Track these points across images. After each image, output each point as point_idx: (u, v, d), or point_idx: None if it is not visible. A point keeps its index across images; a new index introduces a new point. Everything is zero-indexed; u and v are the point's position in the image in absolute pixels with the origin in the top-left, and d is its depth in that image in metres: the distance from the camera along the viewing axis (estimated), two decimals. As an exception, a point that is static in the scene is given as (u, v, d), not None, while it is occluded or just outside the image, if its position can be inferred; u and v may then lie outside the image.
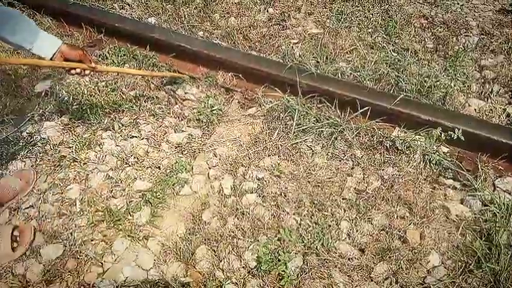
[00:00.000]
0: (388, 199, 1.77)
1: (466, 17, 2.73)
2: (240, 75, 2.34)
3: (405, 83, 2.23)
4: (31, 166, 1.99)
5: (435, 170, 1.89)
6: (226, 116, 2.22)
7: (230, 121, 2.20)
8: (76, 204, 1.82)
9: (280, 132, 2.09)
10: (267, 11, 2.76)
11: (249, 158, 2.01)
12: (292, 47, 2.48)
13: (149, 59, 2.48)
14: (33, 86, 2.40)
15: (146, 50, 2.50)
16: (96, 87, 2.34)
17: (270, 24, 2.65)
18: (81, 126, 2.18)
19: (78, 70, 1.65)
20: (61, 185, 1.90)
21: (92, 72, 1.75)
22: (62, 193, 1.88)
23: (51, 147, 2.06)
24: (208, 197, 1.85)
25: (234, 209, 1.79)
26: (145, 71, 2.37)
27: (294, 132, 2.07)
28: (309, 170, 1.90)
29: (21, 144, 2.09)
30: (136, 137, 2.12)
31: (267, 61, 2.33)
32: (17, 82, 2.41)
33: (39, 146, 2.07)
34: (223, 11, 2.75)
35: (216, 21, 2.68)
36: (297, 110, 2.12)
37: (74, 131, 2.15)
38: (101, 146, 2.07)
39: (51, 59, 1.57)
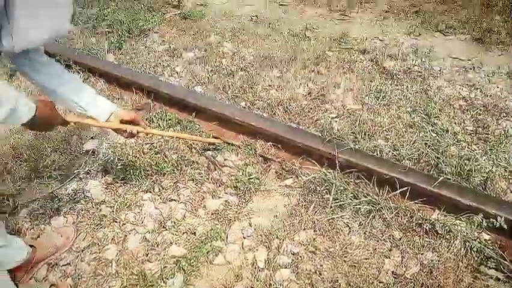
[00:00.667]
0: (427, 286, 1.70)
1: (506, 100, 2.74)
2: (279, 146, 2.40)
3: (445, 165, 2.22)
4: (73, 223, 2.06)
5: (476, 258, 1.82)
6: (263, 185, 2.25)
7: (267, 191, 2.23)
8: (111, 265, 1.85)
9: (316, 206, 2.09)
10: (307, 85, 2.87)
11: (284, 231, 2.00)
12: (331, 121, 2.54)
13: (193, 124, 2.58)
14: (82, 144, 2.53)
15: (191, 117, 2.62)
16: (141, 149, 2.44)
17: (310, 98, 2.75)
18: (123, 187, 2.25)
19: (133, 131, 1.75)
20: (99, 244, 1.95)
21: (143, 134, 1.86)
22: (99, 252, 1.91)
23: (93, 206, 2.13)
24: (241, 269, 1.84)
25: (267, 284, 1.76)
26: (189, 135, 2.46)
27: (331, 207, 2.07)
28: (346, 248, 1.87)
29: (65, 200, 2.18)
30: (175, 200, 2.17)
31: (305, 133, 2.39)
32: (68, 139, 2.56)
33: (82, 204, 2.15)
34: (264, 84, 2.88)
35: (257, 92, 2.80)
36: (334, 185, 2.14)
37: (116, 191, 2.22)
38: (140, 208, 2.13)
39: (106, 121, 1.68)
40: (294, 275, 1.80)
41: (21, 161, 2.42)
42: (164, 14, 3.83)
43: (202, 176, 2.30)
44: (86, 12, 3.89)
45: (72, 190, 2.23)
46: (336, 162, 2.20)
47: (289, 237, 1.97)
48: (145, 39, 3.47)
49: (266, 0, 4.18)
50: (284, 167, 2.34)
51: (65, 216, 2.09)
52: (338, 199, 2.09)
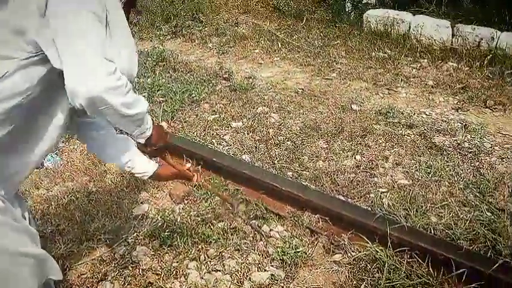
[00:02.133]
0: None
1: None
2: (327, 219, 2.36)
3: (503, 247, 2.10)
4: (119, 289, 2.06)
5: None
6: (311, 259, 2.19)
7: (314, 266, 2.17)
8: (155, 337, 1.80)
9: (367, 286, 2.00)
10: (355, 157, 2.87)
11: (333, 310, 1.91)
12: (381, 195, 2.50)
13: (239, 194, 2.61)
14: (132, 209, 2.59)
15: (238, 185, 2.65)
16: (188, 216, 2.47)
17: (358, 170, 2.73)
18: (169, 253, 2.25)
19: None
20: (144, 313, 1.92)
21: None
22: (143, 322, 1.88)
23: (140, 272, 2.13)
24: None
25: None
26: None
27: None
28: (401, 334, 1.75)
29: (113, 265, 2.20)
30: (220, 271, 2.14)
31: (354, 208, 2.36)
32: (119, 203, 2.63)
33: (129, 270, 2.15)
34: (311, 154, 2.91)
35: (304, 163, 2.82)
36: (386, 263, 2.05)
37: (163, 258, 2.22)
38: (186, 277, 2.11)
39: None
40: None
41: (72, 223, 2.49)
42: (214, 85, 4.03)
43: (248, 247, 2.27)
44: (142, 81, 4.15)
45: (120, 255, 2.25)
46: (388, 239, 2.13)
47: (336, 318, 1.88)
48: (196, 108, 3.64)
49: (311, 74, 4.33)
50: (333, 241, 2.28)
51: (112, 282, 2.10)
52: (390, 279, 2.00)
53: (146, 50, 5.11)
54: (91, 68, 1.09)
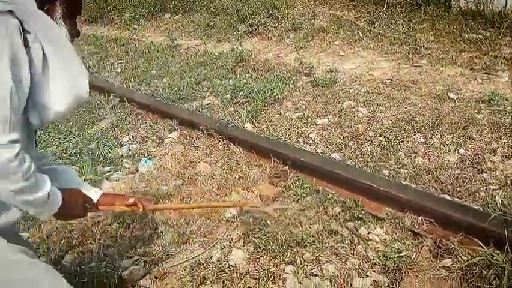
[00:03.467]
0: None
1: None
2: (432, 221, 2.17)
3: None
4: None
5: None
6: (416, 265, 2.03)
7: (421, 271, 2.00)
8: None
9: (485, 295, 1.80)
10: (458, 151, 2.62)
11: (447, 321, 1.74)
12: (492, 193, 2.25)
13: (331, 195, 2.50)
14: (224, 212, 2.60)
15: (329, 186, 2.54)
16: (280, 218, 2.42)
17: (463, 166, 2.49)
18: (264, 257, 2.22)
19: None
20: (244, 319, 1.90)
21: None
22: (245, 328, 1.86)
23: (238, 276, 2.12)
24: None
25: None
26: (207, 203, 2.15)
27: (504, 298, 1.76)
28: None
29: (210, 268, 2.21)
30: (318, 275, 2.06)
31: (463, 208, 2.14)
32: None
33: (226, 273, 2.15)
34: (408, 150, 2.71)
35: (401, 160, 2.63)
36: (506, 270, 1.83)
37: (259, 261, 2.19)
38: (284, 281, 2.05)
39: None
40: None
41: (169, 226, 2.56)
42: (296, 82, 3.95)
43: (346, 251, 2.16)
44: (224, 83, 4.20)
45: (217, 259, 2.26)
46: (506, 242, 1.90)
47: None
48: (279, 107, 3.59)
49: (398, 62, 4.07)
50: (440, 245, 2.09)
51: (211, 286, 2.11)
52: (512, 287, 1.78)
53: (225, 51, 5.18)
54: None
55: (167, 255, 2.36)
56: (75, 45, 1.32)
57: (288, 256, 2.18)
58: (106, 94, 4.41)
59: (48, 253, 2.49)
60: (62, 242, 2.57)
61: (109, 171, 3.25)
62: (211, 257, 2.29)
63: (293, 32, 5.36)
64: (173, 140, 3.48)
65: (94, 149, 3.54)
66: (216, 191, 2.78)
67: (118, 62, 5.77)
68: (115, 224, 2.64)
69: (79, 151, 3.56)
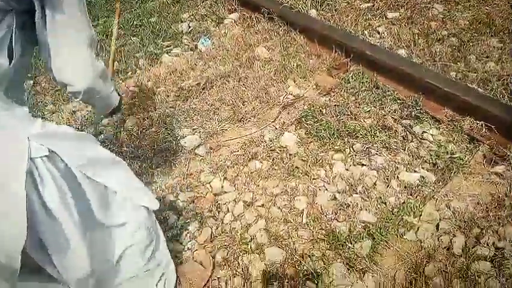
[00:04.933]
0: None
1: None
2: (492, 126, 2.11)
3: None
4: (267, 169, 2.18)
5: None
6: (467, 167, 2.03)
7: (470, 174, 2.00)
8: (302, 216, 1.92)
9: (533, 203, 1.81)
10: (536, 60, 2.43)
11: (488, 221, 1.79)
12: None
13: (391, 92, 2.44)
14: (279, 96, 2.62)
15: (391, 82, 2.47)
16: (335, 108, 2.42)
17: (539, 76, 2.32)
18: (315, 142, 2.28)
19: None
20: (291, 193, 2.03)
21: None
22: (290, 201, 2.00)
23: (287, 156, 2.22)
24: (434, 251, 1.71)
25: (463, 273, 1.62)
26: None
27: (552, 207, 1.76)
28: None
29: (262, 146, 2.32)
30: (365, 165, 2.12)
31: (529, 117, 2.05)
32: (267, 90, 2.68)
33: (277, 152, 2.25)
34: (481, 54, 2.53)
35: (471, 63, 2.48)
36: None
37: (309, 146, 2.27)
38: (331, 167, 2.14)
39: None
40: (495, 270, 1.61)
41: (225, 104, 2.64)
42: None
43: (397, 146, 2.18)
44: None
45: (269, 138, 2.35)
46: None
47: (493, 229, 1.75)
48: (348, -5, 3.36)
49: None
50: (496, 151, 2.05)
51: (261, 162, 2.23)
52: None
53: None
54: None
55: (222, 130, 2.48)
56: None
57: (338, 144, 2.23)
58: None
59: (111, 116, 2.68)
60: (125, 107, 2.73)
61: (169, 46, 3.30)
62: (263, 137, 2.38)
63: None
64: (233, 21, 3.41)
65: (155, 22, 3.56)
66: (272, 76, 2.77)
67: None
68: (173, 95, 2.75)
69: (140, 23, 3.60)
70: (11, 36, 1.03)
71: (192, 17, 3.58)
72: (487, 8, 2.93)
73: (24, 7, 1.02)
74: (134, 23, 3.61)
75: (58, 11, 1.04)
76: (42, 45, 1.09)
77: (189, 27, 3.46)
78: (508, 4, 2.94)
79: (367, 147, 2.19)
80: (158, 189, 2.18)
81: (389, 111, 2.35)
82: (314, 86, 2.66)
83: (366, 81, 2.55)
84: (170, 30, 3.44)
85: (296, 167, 2.15)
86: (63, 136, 1.19)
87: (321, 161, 2.17)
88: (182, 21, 3.55)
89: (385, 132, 2.26)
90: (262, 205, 2.02)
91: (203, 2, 3.73)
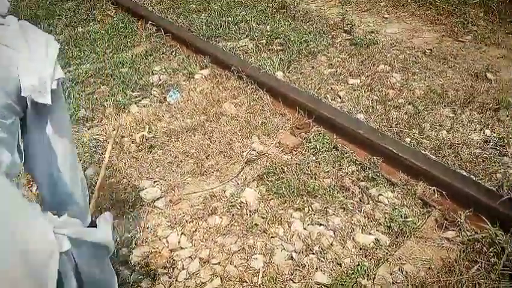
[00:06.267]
0: None
1: None
2: (443, 192, 2.21)
3: None
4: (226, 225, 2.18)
5: None
6: (420, 231, 2.09)
7: (423, 238, 2.06)
8: (258, 276, 1.90)
9: (480, 269, 1.87)
10: (484, 132, 2.60)
11: (439, 286, 1.83)
12: (510, 177, 2.25)
13: (349, 153, 2.53)
14: (243, 152, 2.67)
15: (349, 144, 2.58)
16: (296, 167, 2.49)
17: (486, 146, 2.48)
18: (275, 200, 2.31)
19: None
20: (248, 251, 2.02)
21: None
22: (247, 260, 1.99)
23: (247, 213, 2.23)
24: (386, 315, 1.72)
25: None
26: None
27: (498, 275, 1.82)
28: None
29: (223, 202, 2.32)
30: (323, 225, 2.15)
31: (477, 185, 2.16)
32: (231, 145, 2.73)
33: (237, 208, 2.26)
34: (434, 122, 2.69)
35: (425, 131, 2.63)
36: (506, 250, 1.88)
37: (269, 203, 2.29)
38: (289, 225, 2.16)
39: None
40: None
41: (189, 157, 2.66)
42: (334, 38, 3.87)
43: (354, 207, 2.24)
44: (262, 28, 4.15)
45: (230, 194, 2.36)
46: (513, 225, 1.94)
47: (444, 295, 1.79)
48: (312, 60, 3.55)
49: (441, 34, 3.93)
50: (447, 217, 2.14)
51: (221, 217, 2.23)
52: (508, 267, 1.84)
53: (267, -5, 5.05)
54: None
55: (184, 183, 2.48)
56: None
57: (297, 203, 2.27)
58: (144, 21, 4.42)
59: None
60: (86, 155, 2.71)
61: (138, 97, 3.34)
62: (225, 191, 2.39)
63: (340, -14, 5.18)
64: (203, 77, 3.51)
65: (126, 73, 3.61)
66: (237, 131, 2.84)
67: (159, -9, 5.70)
68: (137, 145, 2.76)
69: (111, 73, 3.65)
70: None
71: (164, 70, 3.66)
72: (441, 79, 3.16)
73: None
74: (106, 72, 3.65)
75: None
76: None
77: (160, 79, 3.53)
78: (460, 77, 3.18)
79: (325, 207, 2.24)
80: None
81: (347, 173, 2.43)
82: (277, 144, 2.74)
83: (327, 142, 2.64)
84: (140, 81, 3.50)
85: (255, 224, 2.16)
86: None
87: (280, 218, 2.19)
88: (153, 74, 3.62)
89: (343, 193, 2.32)
90: (219, 263, 1.99)
91: (176, 56, 3.84)
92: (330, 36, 3.91)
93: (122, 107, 3.18)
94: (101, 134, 2.90)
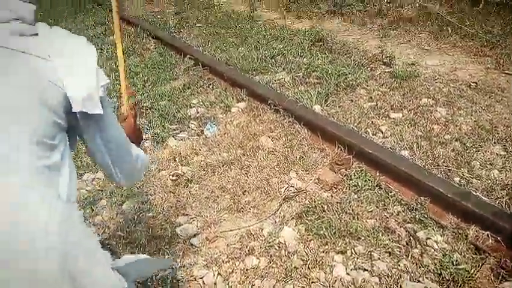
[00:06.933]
0: None
1: None
2: (499, 238, 2.04)
3: None
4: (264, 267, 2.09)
5: None
6: (474, 281, 1.92)
7: (477, 288, 1.90)
8: (299, 325, 1.78)
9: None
10: (540, 171, 2.42)
11: None
12: None
13: (394, 192, 2.41)
14: (280, 188, 2.59)
15: (393, 183, 2.46)
16: (337, 205, 2.38)
17: (544, 188, 2.30)
18: (315, 241, 2.21)
19: None
20: (287, 297, 1.91)
21: None
22: (286, 306, 1.88)
23: (286, 254, 2.13)
24: None
25: None
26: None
27: None
28: None
29: (260, 241, 2.24)
30: (367, 271, 2.02)
31: (537, 232, 1.98)
32: (269, 181, 2.66)
33: (275, 249, 2.17)
34: (484, 161, 2.54)
35: (474, 169, 2.48)
36: None
37: (309, 244, 2.19)
38: (331, 269, 2.04)
39: None
40: None
41: (225, 192, 2.61)
42: (373, 70, 3.81)
43: (400, 251, 2.10)
44: (298, 61, 4.14)
45: (268, 233, 2.28)
46: None
47: None
48: (351, 93, 3.49)
49: (486, 66, 3.79)
50: (503, 265, 1.96)
51: (258, 258, 2.13)
52: None
53: (303, 28, 5.08)
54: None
55: (220, 219, 2.42)
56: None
57: (339, 245, 2.15)
58: (182, 55, 4.50)
59: (110, 197, 2.64)
60: (124, 189, 2.70)
61: (176, 130, 3.36)
62: (262, 230, 2.31)
63: (378, 18, 5.15)
64: (240, 110, 3.50)
65: (164, 106, 3.65)
66: (275, 166, 2.78)
67: (197, 25, 5.85)
68: (174, 179, 2.73)
69: (150, 105, 3.70)
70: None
71: (201, 103, 3.68)
72: (489, 114, 3.01)
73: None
74: (145, 105, 3.70)
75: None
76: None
77: (197, 112, 3.55)
78: (509, 112, 3.02)
79: (369, 251, 2.11)
80: (148, 281, 2.07)
81: (392, 213, 2.30)
82: (316, 180, 2.65)
83: (369, 180, 2.53)
84: (178, 114, 3.52)
85: (295, 267, 2.05)
86: None
87: (321, 261, 2.07)
88: (191, 106, 3.64)
89: (388, 235, 2.19)
90: (257, 308, 1.89)
91: (213, 89, 3.87)
92: (369, 68, 3.85)
93: (160, 140, 3.20)
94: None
